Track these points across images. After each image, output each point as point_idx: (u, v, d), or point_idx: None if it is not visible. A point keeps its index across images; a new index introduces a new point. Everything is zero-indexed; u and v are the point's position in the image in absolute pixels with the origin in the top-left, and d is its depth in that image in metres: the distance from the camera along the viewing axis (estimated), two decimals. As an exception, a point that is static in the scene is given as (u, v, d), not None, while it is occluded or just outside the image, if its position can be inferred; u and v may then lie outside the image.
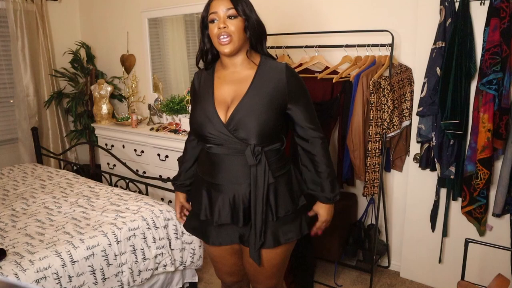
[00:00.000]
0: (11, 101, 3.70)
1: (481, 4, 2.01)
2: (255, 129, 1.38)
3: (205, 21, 1.43)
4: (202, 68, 1.57)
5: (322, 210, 1.55)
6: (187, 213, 1.70)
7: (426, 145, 2.27)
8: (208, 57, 1.51)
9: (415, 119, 2.30)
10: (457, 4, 2.05)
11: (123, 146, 3.46)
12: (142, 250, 2.09)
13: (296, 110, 1.45)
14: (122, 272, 2.00)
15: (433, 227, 2.38)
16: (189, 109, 1.64)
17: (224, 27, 1.37)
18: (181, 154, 2.83)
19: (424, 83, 2.18)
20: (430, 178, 2.35)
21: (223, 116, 1.42)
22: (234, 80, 1.46)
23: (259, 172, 1.41)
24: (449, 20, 2.06)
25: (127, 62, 3.80)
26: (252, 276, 1.61)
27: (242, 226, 1.46)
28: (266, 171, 1.41)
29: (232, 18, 1.38)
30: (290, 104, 1.44)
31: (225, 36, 1.37)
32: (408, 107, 2.35)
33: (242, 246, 1.55)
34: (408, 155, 2.47)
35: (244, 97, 1.41)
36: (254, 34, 1.42)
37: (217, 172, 1.46)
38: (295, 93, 1.45)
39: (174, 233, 2.24)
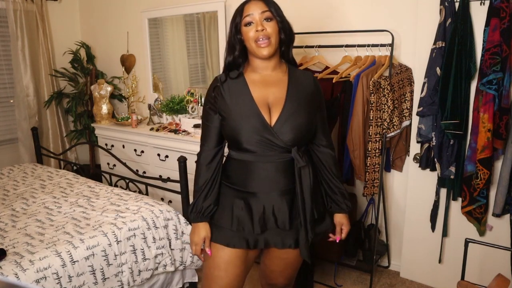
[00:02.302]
0: (11, 101, 3.70)
1: (481, 4, 2.01)
2: (297, 132, 1.41)
3: (238, 26, 1.40)
4: (222, 80, 1.47)
5: (345, 220, 1.62)
6: (207, 249, 1.50)
7: (426, 145, 2.27)
8: (238, 65, 1.46)
9: (415, 119, 2.30)
10: (457, 4, 2.05)
11: (123, 146, 3.46)
12: (142, 250, 2.09)
13: (318, 119, 1.51)
14: (122, 272, 2.00)
15: (433, 227, 2.38)
16: (210, 120, 1.49)
17: (262, 30, 1.36)
18: (181, 154, 2.85)
19: (424, 83, 2.18)
20: (430, 178, 2.35)
21: (268, 118, 1.41)
22: (269, 83, 1.46)
23: (304, 174, 1.42)
24: (449, 20, 2.06)
25: (127, 62, 3.80)
26: (277, 273, 1.63)
27: (289, 230, 1.47)
28: (310, 171, 1.44)
29: (268, 20, 1.38)
30: (317, 112, 1.50)
31: (263, 39, 1.37)
32: (408, 107, 2.35)
33: (267, 250, 1.58)
34: (408, 155, 2.47)
35: (286, 102, 1.42)
36: (287, 36, 1.44)
37: (250, 181, 1.44)
38: (321, 103, 1.52)
39: (174, 233, 2.24)
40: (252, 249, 1.49)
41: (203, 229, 1.49)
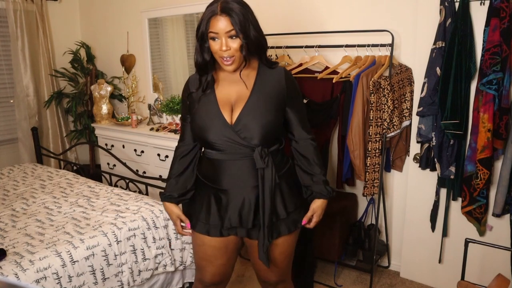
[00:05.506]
0: (11, 101, 3.70)
1: (481, 4, 2.01)
2: (260, 131, 1.41)
3: (204, 36, 1.40)
4: (193, 88, 1.53)
5: (320, 209, 1.56)
6: (186, 226, 1.60)
7: (426, 145, 2.27)
8: (208, 69, 1.48)
9: (415, 119, 2.30)
10: (457, 4, 2.05)
11: (123, 146, 3.46)
12: (142, 250, 2.09)
13: (292, 112, 1.51)
14: (122, 272, 2.00)
15: (433, 227, 2.38)
16: (185, 119, 1.62)
17: (226, 50, 1.37)
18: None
19: (424, 83, 2.18)
20: (430, 178, 2.35)
21: (229, 117, 1.43)
22: (235, 80, 1.48)
23: (266, 175, 1.44)
24: (449, 20, 2.06)
25: (127, 62, 3.80)
26: (264, 270, 1.61)
27: (252, 227, 1.49)
28: (273, 173, 1.45)
29: (233, 37, 1.37)
30: (288, 106, 1.49)
31: (228, 58, 1.39)
32: (408, 107, 2.35)
33: (249, 241, 1.57)
34: (408, 155, 2.47)
35: (249, 99, 1.43)
36: (253, 51, 1.42)
37: (221, 178, 1.48)
38: (293, 96, 1.50)
39: (174, 233, 2.24)
40: (227, 236, 1.53)
41: (174, 208, 1.59)
